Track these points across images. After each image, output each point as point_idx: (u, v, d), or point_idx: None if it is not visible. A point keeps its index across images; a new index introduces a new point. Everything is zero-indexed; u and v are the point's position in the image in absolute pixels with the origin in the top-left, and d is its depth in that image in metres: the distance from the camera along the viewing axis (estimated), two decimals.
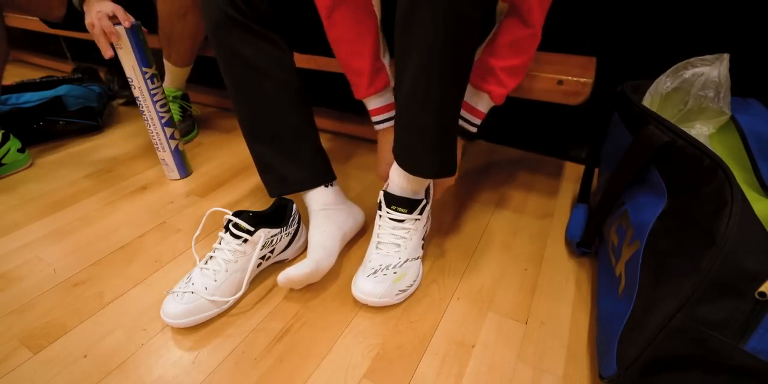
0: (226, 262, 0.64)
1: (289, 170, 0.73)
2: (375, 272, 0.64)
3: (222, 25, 0.65)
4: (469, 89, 0.67)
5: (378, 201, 0.70)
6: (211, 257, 0.65)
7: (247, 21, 0.64)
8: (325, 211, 0.73)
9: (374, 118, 0.74)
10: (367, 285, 0.63)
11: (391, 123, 0.72)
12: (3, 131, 1.03)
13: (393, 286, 0.64)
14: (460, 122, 0.69)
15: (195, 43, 1.10)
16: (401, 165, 0.64)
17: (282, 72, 0.70)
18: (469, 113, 0.69)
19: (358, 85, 0.71)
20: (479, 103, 0.68)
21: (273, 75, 0.69)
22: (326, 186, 0.75)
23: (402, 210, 0.68)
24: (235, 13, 0.63)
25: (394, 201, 0.68)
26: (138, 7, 1.10)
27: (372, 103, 0.72)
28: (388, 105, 0.73)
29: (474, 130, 0.70)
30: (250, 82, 0.69)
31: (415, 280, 0.67)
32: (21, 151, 1.06)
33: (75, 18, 1.04)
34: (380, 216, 0.70)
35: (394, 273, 0.65)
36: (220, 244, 0.66)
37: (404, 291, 0.65)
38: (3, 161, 1.02)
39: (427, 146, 0.60)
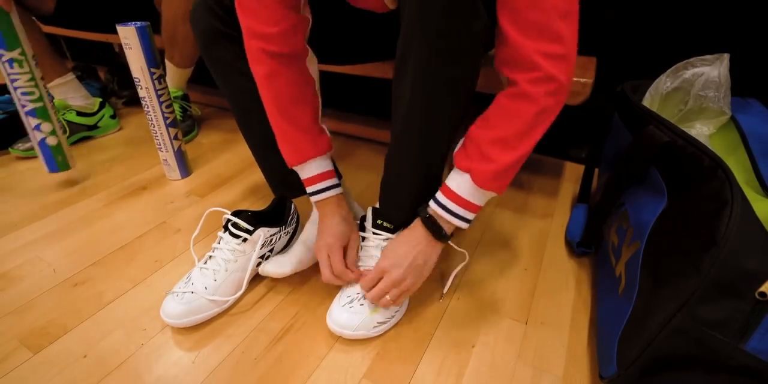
0: (225, 262, 0.64)
1: (293, 173, 0.71)
2: (351, 301, 0.60)
3: (210, 38, 0.65)
4: (453, 171, 0.56)
5: (365, 219, 0.67)
6: (210, 257, 0.65)
7: (233, 32, 0.63)
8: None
9: (316, 186, 0.64)
10: (341, 316, 0.59)
11: (334, 192, 0.65)
12: (101, 100, 1.23)
13: (370, 318, 0.59)
14: (440, 213, 0.55)
15: (198, 45, 1.10)
16: (380, 210, 0.65)
17: None
18: (448, 198, 0.55)
19: (299, 146, 0.62)
20: (460, 186, 0.54)
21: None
22: None
23: (388, 225, 0.63)
24: (221, 26, 0.63)
25: (381, 215, 0.64)
26: (139, 6, 1.10)
27: (312, 168, 0.64)
28: (330, 171, 0.65)
29: (454, 224, 0.55)
30: (248, 90, 0.67)
31: (397, 311, 0.62)
32: (113, 117, 1.26)
33: (65, 13, 1.05)
34: (363, 238, 0.66)
35: (372, 303, 0.60)
36: (219, 243, 0.66)
37: (384, 323, 0.60)
38: (98, 124, 1.22)
39: (404, 193, 0.60)
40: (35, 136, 0.91)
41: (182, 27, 1.04)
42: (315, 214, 0.71)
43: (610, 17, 0.89)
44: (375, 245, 0.64)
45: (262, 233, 0.66)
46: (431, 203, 0.57)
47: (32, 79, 0.85)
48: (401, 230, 0.62)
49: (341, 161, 1.08)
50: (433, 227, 0.56)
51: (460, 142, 0.56)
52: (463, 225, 0.56)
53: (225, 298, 0.62)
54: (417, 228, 0.58)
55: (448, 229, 0.57)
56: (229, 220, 0.66)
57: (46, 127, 0.89)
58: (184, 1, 1.00)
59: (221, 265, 0.64)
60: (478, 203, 0.55)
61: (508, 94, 0.51)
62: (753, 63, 0.79)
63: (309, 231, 0.70)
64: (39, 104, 0.87)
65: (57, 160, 0.93)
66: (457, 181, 0.54)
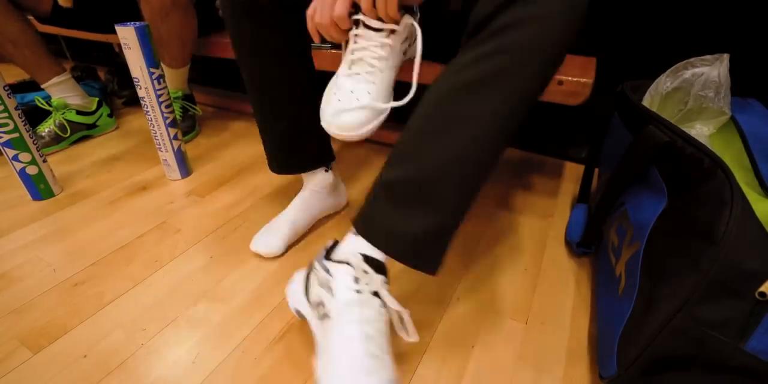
0: (379, 61, 0.56)
1: (300, 152, 0.76)
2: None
3: (244, 8, 0.61)
4: None
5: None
6: (353, 61, 0.57)
7: (270, 4, 0.61)
8: (318, 192, 0.80)
9: None
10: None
11: None
12: (98, 99, 1.23)
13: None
14: None
15: (184, 44, 1.10)
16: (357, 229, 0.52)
17: (300, 57, 0.69)
18: None
19: None
20: None
21: (291, 60, 0.68)
22: (326, 170, 0.80)
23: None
24: None
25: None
26: (127, 10, 1.10)
27: None
28: None
29: None
30: (268, 65, 0.67)
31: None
32: (110, 116, 1.27)
33: (63, 13, 1.05)
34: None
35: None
36: (356, 43, 0.56)
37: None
38: (97, 123, 1.23)
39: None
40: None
41: (163, 26, 1.03)
42: (305, 193, 0.80)
43: (610, 17, 0.89)
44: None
45: (407, 20, 0.55)
46: None
47: (5, 110, 0.82)
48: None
49: (341, 162, 1.08)
50: None
51: None
52: None
53: (387, 105, 0.57)
54: None
55: None
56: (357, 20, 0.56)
57: (24, 157, 0.88)
58: (158, 0, 0.99)
59: (376, 65, 0.56)
60: None
61: None
62: (753, 63, 0.79)
63: (294, 208, 0.79)
64: (14, 135, 0.85)
65: (39, 188, 0.92)
66: None
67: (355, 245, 0.50)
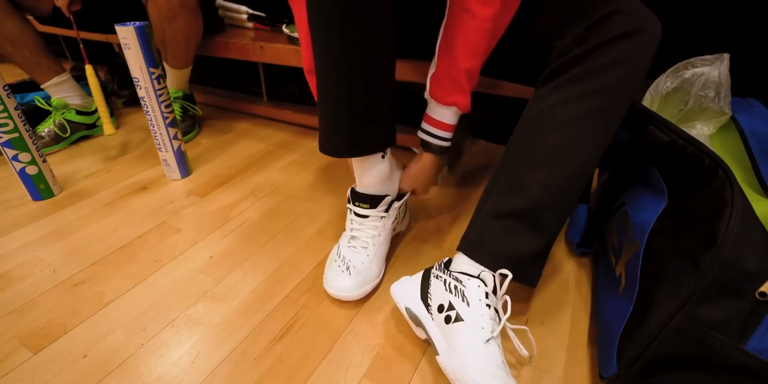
0: (372, 238, 0.69)
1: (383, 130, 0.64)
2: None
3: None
4: (433, 104, 0.65)
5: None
6: (351, 237, 0.70)
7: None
8: None
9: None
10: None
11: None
12: None
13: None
14: (431, 140, 0.67)
15: (189, 46, 1.10)
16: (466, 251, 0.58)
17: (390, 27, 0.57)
18: (437, 128, 0.66)
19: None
20: (446, 116, 0.65)
21: (387, 30, 0.56)
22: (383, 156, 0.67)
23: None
24: None
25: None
26: (138, 6, 1.10)
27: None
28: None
29: (446, 144, 0.68)
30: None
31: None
32: (110, 115, 1.20)
33: (63, 14, 1.05)
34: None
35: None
36: (352, 224, 0.70)
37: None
38: (97, 123, 1.23)
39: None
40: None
41: (169, 28, 1.03)
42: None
43: None
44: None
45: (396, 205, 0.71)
46: (419, 132, 0.69)
47: (5, 110, 0.82)
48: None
49: (343, 166, 1.08)
50: (435, 148, 0.68)
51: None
52: (444, 143, 0.68)
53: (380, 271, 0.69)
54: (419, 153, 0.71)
55: (434, 143, 0.67)
56: (352, 205, 0.70)
57: (24, 157, 0.87)
58: (166, 1, 0.99)
59: (368, 242, 0.68)
60: (447, 122, 0.65)
61: (476, 26, 0.56)
62: (753, 63, 0.79)
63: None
64: (14, 135, 0.85)
65: (39, 189, 0.92)
66: (441, 113, 0.65)
67: (473, 266, 0.56)
